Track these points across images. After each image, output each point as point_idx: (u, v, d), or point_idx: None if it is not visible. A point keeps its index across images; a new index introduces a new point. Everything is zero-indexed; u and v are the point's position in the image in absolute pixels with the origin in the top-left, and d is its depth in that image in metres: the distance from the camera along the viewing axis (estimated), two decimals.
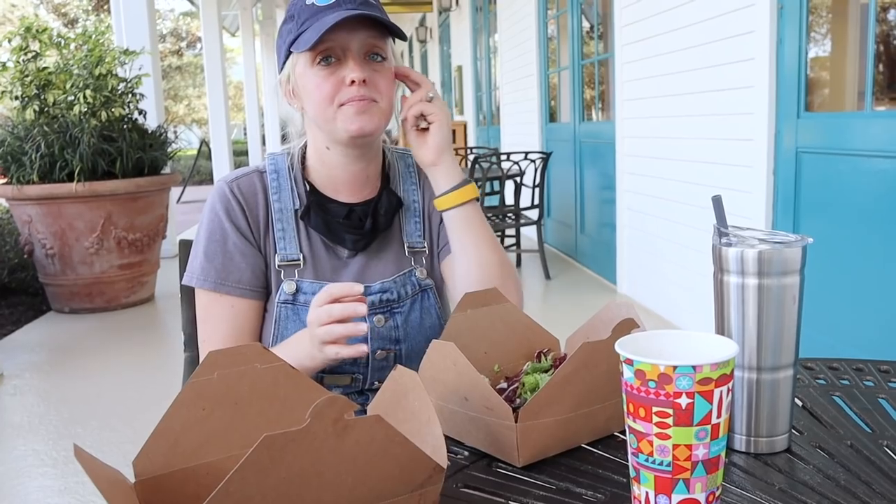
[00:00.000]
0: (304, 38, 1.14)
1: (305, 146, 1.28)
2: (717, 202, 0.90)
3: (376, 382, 1.24)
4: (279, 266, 1.22)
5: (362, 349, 1.03)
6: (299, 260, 1.23)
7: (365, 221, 1.23)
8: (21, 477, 2.64)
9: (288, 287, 1.21)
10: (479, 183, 5.07)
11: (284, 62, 1.21)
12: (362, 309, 1.01)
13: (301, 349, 1.10)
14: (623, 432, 0.91)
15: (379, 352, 1.23)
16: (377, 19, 1.14)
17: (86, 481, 2.57)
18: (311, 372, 1.11)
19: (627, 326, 0.84)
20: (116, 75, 5.00)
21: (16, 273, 5.13)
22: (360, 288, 1.01)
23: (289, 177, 1.26)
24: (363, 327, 1.01)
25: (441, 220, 1.29)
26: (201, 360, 1.17)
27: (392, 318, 1.24)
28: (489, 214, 5.30)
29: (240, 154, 14.89)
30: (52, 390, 3.52)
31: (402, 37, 1.20)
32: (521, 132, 7.50)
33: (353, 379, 1.24)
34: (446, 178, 1.23)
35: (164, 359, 4.06)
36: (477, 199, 1.25)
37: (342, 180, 1.25)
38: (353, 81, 1.13)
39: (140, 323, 4.76)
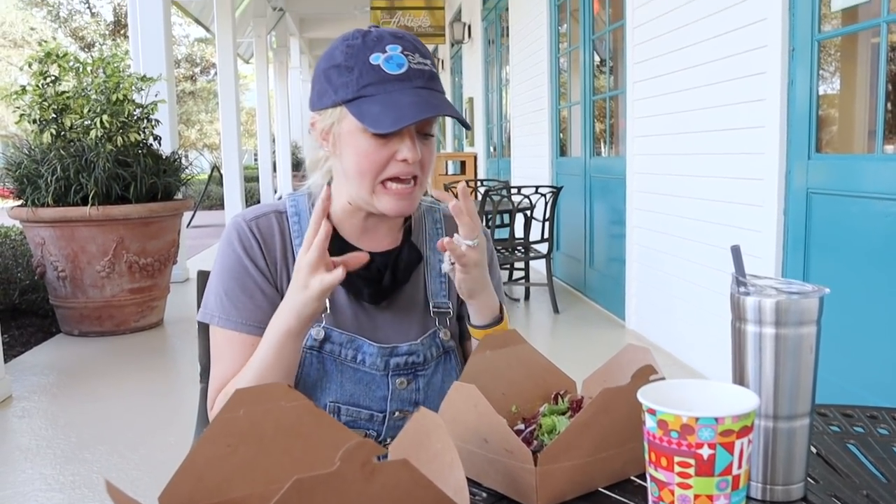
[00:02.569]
0: (370, 111, 1.09)
1: (330, 183, 1.25)
2: (736, 252, 0.91)
3: (389, 439, 1.22)
4: None
5: (363, 257, 1.07)
6: (325, 305, 1.20)
7: (384, 274, 1.22)
8: (28, 501, 2.64)
9: (316, 333, 1.20)
10: (490, 215, 5.10)
11: (329, 107, 1.16)
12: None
13: (285, 309, 1.11)
14: (640, 476, 0.93)
15: (397, 413, 1.22)
16: (460, 120, 1.14)
17: None
18: (297, 334, 1.11)
19: (646, 373, 0.85)
20: (133, 101, 5.07)
21: (27, 294, 5.17)
22: (364, 258, 1.07)
23: (309, 218, 1.24)
24: (364, 256, 1.07)
25: None
26: (215, 396, 1.20)
27: (415, 381, 1.23)
28: (499, 247, 5.33)
29: (250, 180, 15.00)
30: (60, 413, 3.53)
31: (467, 126, 1.18)
32: (531, 165, 7.55)
33: (366, 436, 1.21)
34: (477, 314, 1.20)
35: (173, 384, 4.07)
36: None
37: (363, 229, 1.24)
38: (405, 159, 1.12)
39: (149, 347, 4.78)
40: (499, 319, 1.21)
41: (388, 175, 1.14)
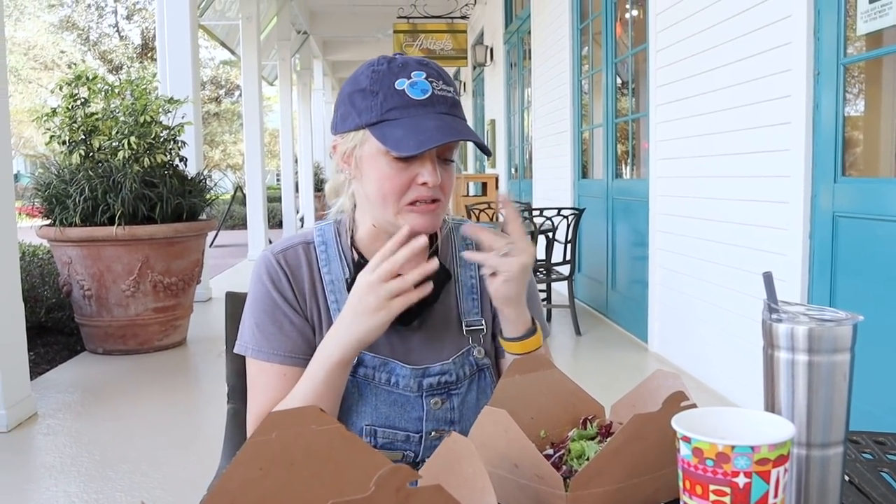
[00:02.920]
0: (393, 134, 1.11)
1: (354, 208, 1.27)
2: (768, 279, 0.91)
3: (427, 460, 1.22)
4: None
5: (427, 289, 1.09)
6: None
7: None
8: None
9: None
10: None
11: (352, 131, 1.17)
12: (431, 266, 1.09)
13: (337, 338, 1.12)
14: (670, 503, 0.92)
15: (433, 433, 1.22)
16: (481, 147, 1.16)
17: None
18: (349, 363, 1.14)
19: (677, 399, 0.85)
20: (160, 123, 5.14)
21: (53, 312, 5.23)
22: (421, 241, 1.08)
23: (336, 247, 1.26)
24: (434, 264, 1.09)
25: None
26: (248, 430, 1.21)
27: (449, 400, 1.23)
28: None
29: (273, 200, 15.11)
30: (84, 431, 3.56)
31: (488, 153, 1.21)
32: (553, 187, 7.55)
33: (403, 456, 1.22)
34: (510, 327, 1.21)
35: (195, 403, 4.09)
36: (538, 348, 1.22)
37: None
38: (425, 183, 1.13)
39: (172, 366, 4.81)
40: (532, 331, 1.21)
41: (409, 199, 1.15)
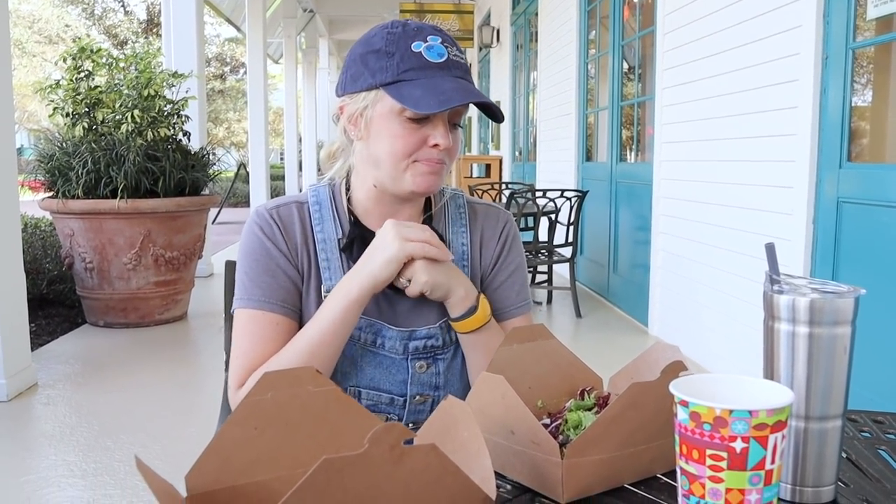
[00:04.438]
0: (412, 93, 1.11)
1: (348, 174, 1.27)
2: (771, 249, 0.90)
3: (410, 424, 1.23)
4: (325, 295, 1.21)
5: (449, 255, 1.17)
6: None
7: None
8: (50, 486, 2.66)
9: None
10: (515, 218, 5.08)
11: (363, 91, 1.17)
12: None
13: (369, 259, 1.15)
14: (667, 474, 0.92)
15: (417, 397, 1.23)
16: (495, 113, 1.18)
17: (113, 494, 2.59)
18: (363, 301, 1.15)
19: (676, 369, 0.84)
20: (164, 97, 5.12)
21: (54, 285, 5.23)
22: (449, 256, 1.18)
23: (331, 207, 1.25)
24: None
25: (490, 266, 1.30)
26: (241, 374, 1.20)
27: (434, 365, 1.24)
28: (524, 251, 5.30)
29: (276, 178, 15.10)
30: (83, 402, 3.57)
31: (502, 118, 1.20)
32: (556, 170, 7.53)
33: (387, 419, 1.22)
34: (451, 309, 1.21)
35: (194, 377, 4.10)
36: (488, 321, 1.23)
37: (386, 215, 1.24)
38: (436, 145, 1.15)
39: (172, 340, 4.82)
40: (473, 309, 1.20)
41: (418, 158, 1.16)
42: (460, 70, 1.15)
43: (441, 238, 1.24)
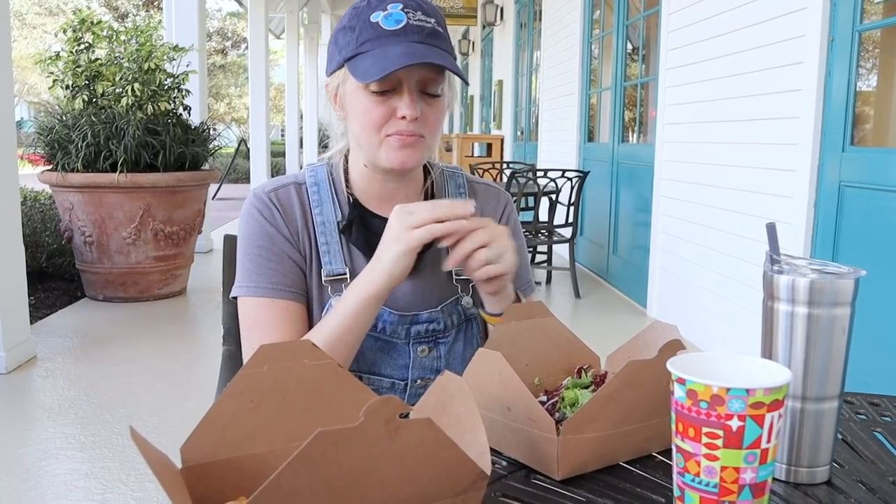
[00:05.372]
0: (362, 64, 1.09)
1: (347, 154, 1.25)
2: (771, 229, 0.90)
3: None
4: (325, 281, 1.19)
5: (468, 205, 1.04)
6: (345, 274, 1.19)
7: None
8: (49, 458, 2.68)
9: (337, 302, 1.16)
10: (515, 198, 5.08)
11: (335, 70, 1.17)
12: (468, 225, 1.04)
13: (370, 271, 1.09)
14: (662, 453, 0.92)
15: (419, 381, 1.22)
16: (448, 69, 1.10)
17: (112, 466, 2.61)
18: (381, 298, 1.09)
19: (673, 348, 0.84)
20: (164, 70, 5.09)
21: (54, 258, 5.23)
22: (469, 209, 1.03)
23: (329, 189, 1.23)
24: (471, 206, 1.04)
25: None
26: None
27: (436, 349, 1.22)
28: (523, 230, 5.30)
29: (277, 155, 15.06)
30: (82, 375, 3.58)
31: (464, 80, 1.15)
32: (558, 150, 7.50)
33: None
34: (495, 306, 1.16)
35: (193, 352, 4.11)
36: None
37: (384, 196, 1.22)
38: (404, 116, 1.11)
39: (171, 315, 4.82)
40: (517, 300, 1.18)
41: (388, 131, 1.13)
42: (420, 34, 1.10)
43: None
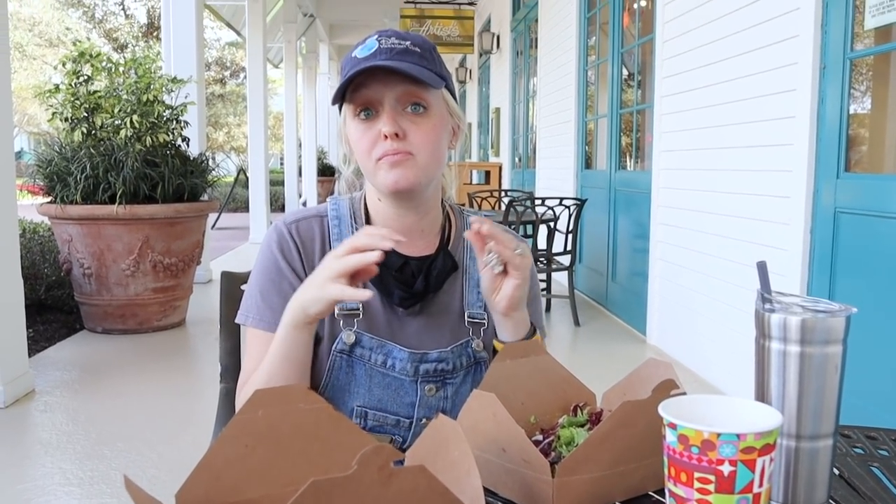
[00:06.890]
0: (338, 89, 1.15)
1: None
2: (762, 268, 0.90)
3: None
4: (338, 315, 1.19)
5: (366, 294, 0.99)
6: (358, 309, 1.19)
7: (417, 279, 1.20)
8: (47, 495, 2.66)
9: (347, 337, 1.18)
10: (514, 226, 5.09)
11: (338, 110, 1.24)
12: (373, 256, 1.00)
13: (293, 300, 1.08)
14: (658, 492, 0.92)
15: (424, 420, 1.21)
16: (404, 72, 1.10)
17: (109, 503, 2.59)
18: (300, 327, 1.08)
19: (667, 388, 0.85)
20: (163, 102, 5.13)
21: (52, 290, 5.23)
22: (389, 244, 0.99)
23: (350, 222, 1.25)
24: (372, 256, 0.99)
25: None
26: (242, 398, 1.19)
27: (443, 389, 1.22)
28: None
29: (276, 184, 15.10)
30: (80, 409, 3.56)
31: (436, 85, 1.14)
32: (556, 177, 7.53)
33: (392, 440, 1.21)
34: (511, 331, 1.16)
35: (193, 384, 4.10)
36: None
37: (402, 230, 1.21)
38: (386, 136, 1.13)
39: (170, 347, 4.81)
40: (532, 333, 1.18)
41: (377, 155, 1.15)
42: (388, 53, 1.12)
43: (454, 263, 1.25)
